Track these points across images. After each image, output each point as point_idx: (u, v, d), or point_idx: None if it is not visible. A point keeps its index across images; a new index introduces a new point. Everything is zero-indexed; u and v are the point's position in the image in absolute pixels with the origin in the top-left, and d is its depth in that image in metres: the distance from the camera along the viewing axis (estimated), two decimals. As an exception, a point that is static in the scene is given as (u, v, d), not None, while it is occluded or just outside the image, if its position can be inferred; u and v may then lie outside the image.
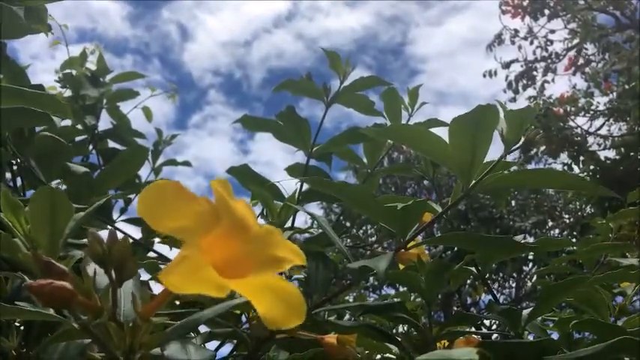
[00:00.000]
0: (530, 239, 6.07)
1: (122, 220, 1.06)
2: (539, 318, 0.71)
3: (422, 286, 0.66)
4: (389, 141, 0.98)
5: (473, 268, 0.77)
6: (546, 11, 6.52)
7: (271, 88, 0.95)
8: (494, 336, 0.74)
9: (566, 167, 5.85)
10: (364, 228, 5.40)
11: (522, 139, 0.60)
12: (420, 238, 0.63)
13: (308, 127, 0.92)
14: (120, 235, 0.29)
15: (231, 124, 0.96)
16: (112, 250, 0.29)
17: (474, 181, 0.58)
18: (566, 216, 6.00)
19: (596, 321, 0.61)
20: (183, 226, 0.28)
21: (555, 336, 0.75)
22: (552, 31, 6.71)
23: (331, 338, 0.64)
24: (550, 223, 6.08)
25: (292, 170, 0.97)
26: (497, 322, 0.90)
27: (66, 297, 0.27)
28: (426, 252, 0.80)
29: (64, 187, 0.99)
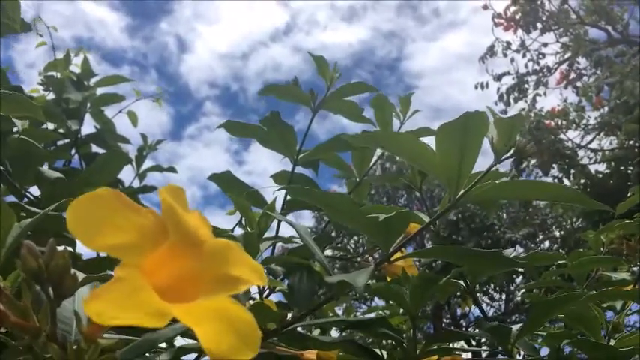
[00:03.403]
0: (521, 250, 6.05)
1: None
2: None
3: (406, 300, 0.63)
4: (379, 150, 0.95)
5: (461, 281, 0.74)
6: (539, 25, 6.56)
7: (267, 100, 0.92)
8: (484, 354, 0.71)
9: (556, 181, 5.86)
10: (356, 238, 5.34)
11: (513, 148, 0.57)
12: (409, 249, 0.60)
13: (293, 134, 0.89)
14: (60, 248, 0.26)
15: (215, 127, 0.92)
16: (48, 265, 0.25)
17: (462, 191, 0.56)
18: (557, 230, 6.01)
19: (589, 341, 0.58)
20: (121, 242, 0.24)
21: (545, 350, 0.73)
22: (544, 45, 6.74)
23: (311, 354, 0.61)
24: (540, 236, 6.08)
25: (278, 178, 0.94)
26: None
27: (-5, 318, 0.24)
28: (417, 262, 0.77)
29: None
